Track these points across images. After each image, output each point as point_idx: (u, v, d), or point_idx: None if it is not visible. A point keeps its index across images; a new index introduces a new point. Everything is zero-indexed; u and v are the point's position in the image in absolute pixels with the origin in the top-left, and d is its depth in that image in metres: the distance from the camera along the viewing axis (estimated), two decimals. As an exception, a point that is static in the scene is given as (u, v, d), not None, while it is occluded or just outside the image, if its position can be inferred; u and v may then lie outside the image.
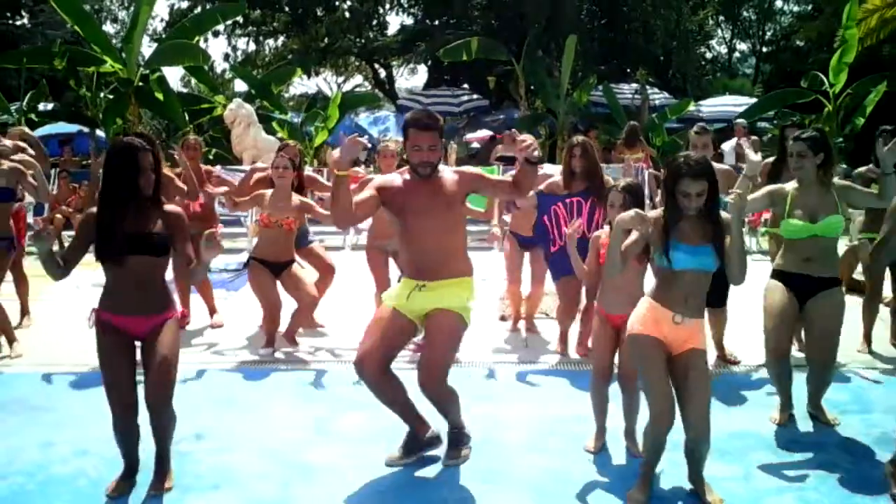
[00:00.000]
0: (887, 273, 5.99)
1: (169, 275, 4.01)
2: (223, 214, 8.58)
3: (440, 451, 4.04)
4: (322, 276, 6.55)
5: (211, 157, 13.93)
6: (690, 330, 3.46)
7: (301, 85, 29.76)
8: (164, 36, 22.44)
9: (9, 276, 6.38)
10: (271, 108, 16.14)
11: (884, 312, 6.12)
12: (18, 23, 25.36)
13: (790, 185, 4.47)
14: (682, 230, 3.42)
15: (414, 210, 3.79)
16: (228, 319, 6.86)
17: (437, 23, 25.40)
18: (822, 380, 4.46)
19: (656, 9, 23.34)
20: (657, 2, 23.31)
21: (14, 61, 15.81)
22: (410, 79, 34.13)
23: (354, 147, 3.59)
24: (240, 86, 21.41)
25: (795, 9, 30.69)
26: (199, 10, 23.25)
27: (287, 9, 26.85)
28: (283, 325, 6.05)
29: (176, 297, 3.86)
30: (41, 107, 17.07)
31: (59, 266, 3.59)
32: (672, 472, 3.73)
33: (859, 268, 6.63)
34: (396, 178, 3.93)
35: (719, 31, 32.62)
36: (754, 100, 18.89)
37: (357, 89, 30.88)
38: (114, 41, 17.31)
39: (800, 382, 4.53)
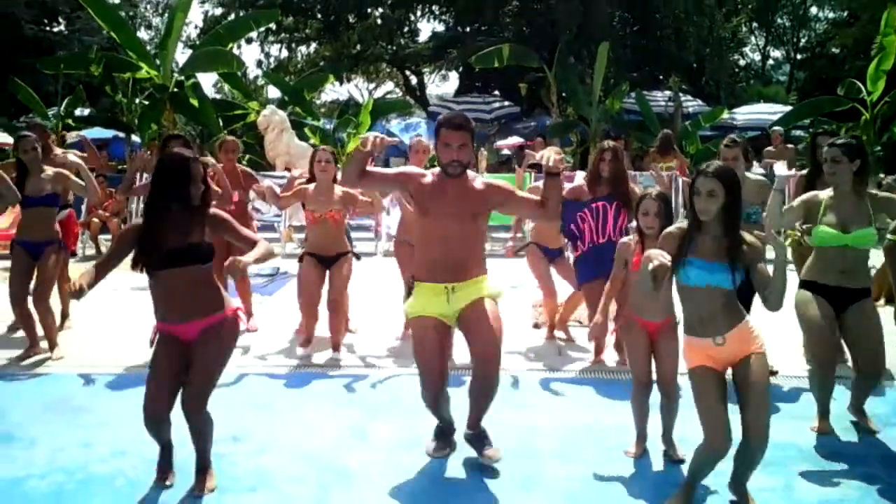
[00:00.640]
0: None
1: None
2: (257, 220, 8.65)
3: (473, 456, 4.02)
4: None
5: (244, 162, 14.06)
6: (738, 339, 3.38)
7: (333, 91, 29.89)
8: (198, 42, 22.68)
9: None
10: (304, 115, 16.26)
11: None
12: (55, 29, 25.80)
13: (825, 193, 4.41)
14: (701, 245, 3.37)
15: (440, 212, 3.77)
16: (262, 324, 6.91)
17: (468, 30, 25.44)
18: (870, 387, 4.40)
19: (689, 15, 23.17)
20: (690, 8, 23.14)
21: (52, 67, 16.07)
22: (441, 85, 34.31)
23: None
24: (273, 92, 21.58)
25: (831, 15, 30.42)
26: (232, 16, 23.51)
27: (319, 16, 27.04)
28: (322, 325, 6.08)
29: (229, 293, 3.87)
30: (78, 112, 17.31)
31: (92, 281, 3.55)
32: (711, 480, 3.69)
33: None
34: (427, 175, 3.91)
35: (753, 37, 32.40)
36: (789, 107, 18.71)
37: (388, 96, 31.03)
38: (148, 47, 17.54)
39: (837, 393, 4.48)
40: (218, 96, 23.79)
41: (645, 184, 11.17)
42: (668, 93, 19.89)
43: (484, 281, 3.90)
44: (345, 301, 6.19)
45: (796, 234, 5.58)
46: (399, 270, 6.07)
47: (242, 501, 3.65)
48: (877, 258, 6.00)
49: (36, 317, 5.94)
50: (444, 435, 4.09)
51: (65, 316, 6.86)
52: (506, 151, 20.56)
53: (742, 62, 31.35)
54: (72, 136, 7.67)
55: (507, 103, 21.92)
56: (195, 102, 15.13)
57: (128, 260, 3.61)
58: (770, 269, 3.33)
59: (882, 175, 10.28)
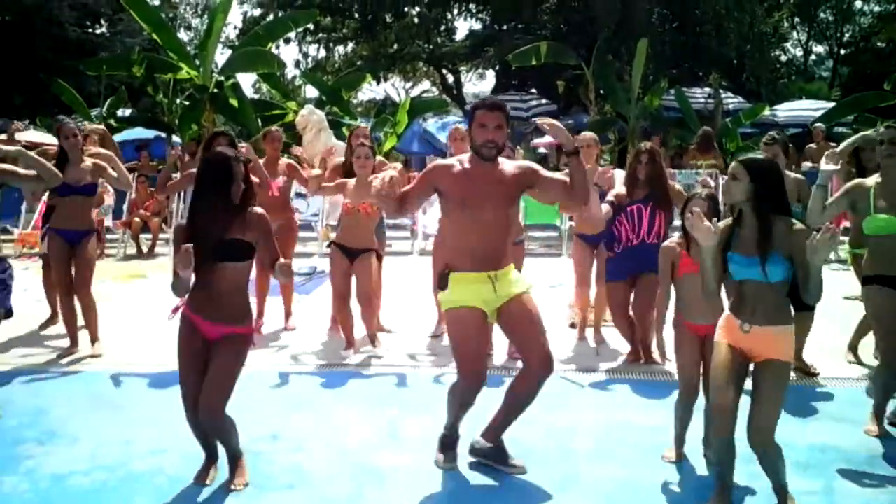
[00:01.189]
0: None
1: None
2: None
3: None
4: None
5: (286, 156, 14.16)
6: (763, 338, 3.33)
7: (370, 91, 30.05)
8: (237, 43, 22.93)
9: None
10: (341, 114, 16.35)
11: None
12: (98, 31, 26.24)
13: (871, 180, 4.30)
14: (743, 239, 3.35)
15: (474, 198, 3.71)
16: (301, 323, 6.96)
17: (505, 28, 25.40)
18: None
19: (729, 11, 22.90)
20: (730, 4, 22.87)
21: (95, 69, 16.36)
22: (478, 84, 34.34)
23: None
24: (311, 92, 21.71)
25: (876, 9, 29.75)
26: (271, 17, 23.72)
27: (357, 15, 27.19)
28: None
29: (254, 301, 3.90)
30: (120, 113, 17.61)
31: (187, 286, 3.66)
32: (753, 483, 3.64)
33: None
34: (455, 164, 3.84)
35: (795, 33, 31.87)
36: (832, 104, 18.39)
37: (424, 95, 31.08)
38: (187, 48, 17.77)
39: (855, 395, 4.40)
40: (256, 96, 24.02)
41: (683, 181, 11.11)
42: (707, 89, 19.63)
43: (512, 270, 3.88)
44: (375, 292, 6.18)
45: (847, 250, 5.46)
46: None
47: (279, 499, 3.68)
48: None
49: (79, 308, 6.02)
50: (450, 445, 4.03)
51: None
52: (542, 150, 20.48)
53: (783, 58, 30.88)
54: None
55: (544, 101, 21.81)
56: (235, 102, 15.30)
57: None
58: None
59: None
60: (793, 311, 3.40)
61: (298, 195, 10.84)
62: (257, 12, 27.74)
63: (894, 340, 4.20)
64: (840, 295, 7.26)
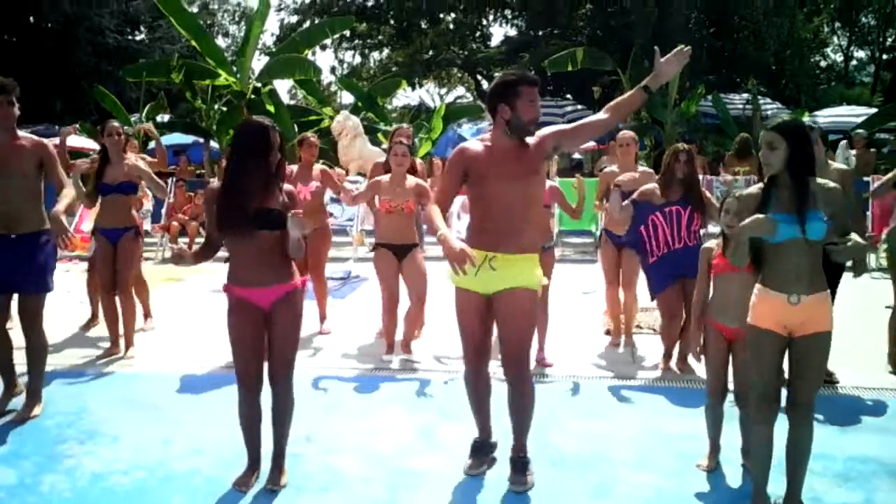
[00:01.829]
0: None
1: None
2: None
3: (541, 462, 4.00)
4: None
5: (320, 161, 14.27)
6: (812, 308, 3.27)
7: (404, 97, 30.22)
8: (274, 50, 23.15)
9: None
10: (377, 120, 16.44)
11: None
12: (138, 38, 26.65)
13: None
14: (780, 199, 3.29)
15: (497, 174, 3.63)
16: (335, 327, 6.99)
17: (540, 33, 25.36)
18: None
19: (768, 16, 22.65)
20: (769, 9, 22.62)
21: (134, 75, 16.60)
22: (513, 90, 34.25)
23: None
24: (346, 98, 21.90)
25: (920, 12, 29.25)
26: (308, 24, 23.91)
27: (392, 22, 27.33)
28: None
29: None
30: (158, 118, 17.86)
31: (204, 257, 3.74)
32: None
33: None
34: (476, 145, 3.77)
35: (835, 38, 31.42)
36: (873, 110, 18.10)
37: (459, 101, 31.13)
38: (225, 55, 17.99)
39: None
40: (293, 102, 24.24)
41: (722, 190, 11.01)
42: (745, 95, 19.45)
43: (530, 261, 3.75)
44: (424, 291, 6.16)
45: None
46: None
47: (314, 500, 3.70)
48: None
49: (119, 309, 6.11)
50: (481, 450, 4.03)
51: (146, 315, 7.06)
52: (577, 155, 20.38)
53: (823, 63, 30.47)
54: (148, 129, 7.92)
55: (579, 106, 21.74)
56: (271, 108, 15.44)
57: (205, 264, 3.67)
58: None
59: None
60: None
61: (334, 200, 10.89)
62: (294, 19, 28.03)
63: None
64: (882, 304, 7.14)
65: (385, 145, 14.75)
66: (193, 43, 16.00)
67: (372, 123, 16.03)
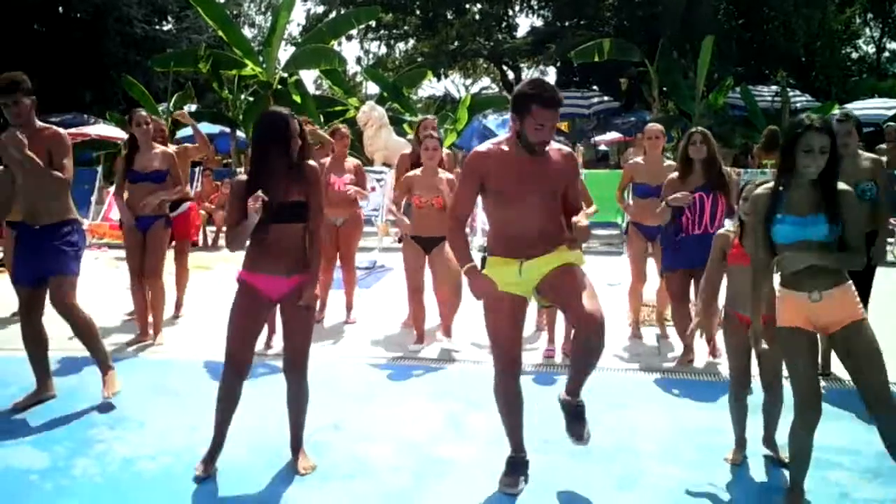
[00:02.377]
0: None
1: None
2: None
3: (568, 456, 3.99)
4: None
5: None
6: (837, 302, 3.22)
7: (430, 87, 30.21)
8: (300, 40, 23.22)
9: (169, 267, 6.65)
10: (402, 110, 16.45)
11: None
12: (165, 28, 26.80)
13: None
14: (792, 200, 3.24)
15: (516, 189, 3.50)
16: (361, 316, 7.02)
17: (567, 24, 25.22)
18: None
19: (798, 7, 22.36)
20: (799, 1, 22.34)
21: (162, 65, 16.71)
22: (539, 81, 34.09)
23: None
24: (371, 88, 21.94)
25: (954, 4, 28.74)
26: (334, 14, 23.95)
27: (418, 12, 27.30)
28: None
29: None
30: (186, 108, 17.98)
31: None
32: (823, 489, 3.56)
33: None
34: (494, 151, 3.56)
35: (867, 29, 30.95)
36: (906, 102, 17.84)
37: (484, 91, 31.06)
38: (252, 45, 18.06)
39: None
40: (318, 92, 24.29)
41: (748, 179, 10.89)
42: (774, 87, 19.23)
43: (564, 250, 3.59)
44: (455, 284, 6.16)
45: None
46: None
47: (343, 487, 3.72)
48: None
49: (148, 295, 6.17)
50: (516, 466, 3.82)
51: (178, 305, 7.13)
52: (603, 147, 20.30)
53: (855, 55, 30.01)
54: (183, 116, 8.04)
55: (606, 98, 21.64)
56: (297, 98, 15.51)
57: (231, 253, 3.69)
58: None
59: None
60: None
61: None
62: (320, 9, 28.07)
63: None
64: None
65: (410, 136, 14.78)
66: (220, 33, 16.09)
67: (397, 114, 16.04)
